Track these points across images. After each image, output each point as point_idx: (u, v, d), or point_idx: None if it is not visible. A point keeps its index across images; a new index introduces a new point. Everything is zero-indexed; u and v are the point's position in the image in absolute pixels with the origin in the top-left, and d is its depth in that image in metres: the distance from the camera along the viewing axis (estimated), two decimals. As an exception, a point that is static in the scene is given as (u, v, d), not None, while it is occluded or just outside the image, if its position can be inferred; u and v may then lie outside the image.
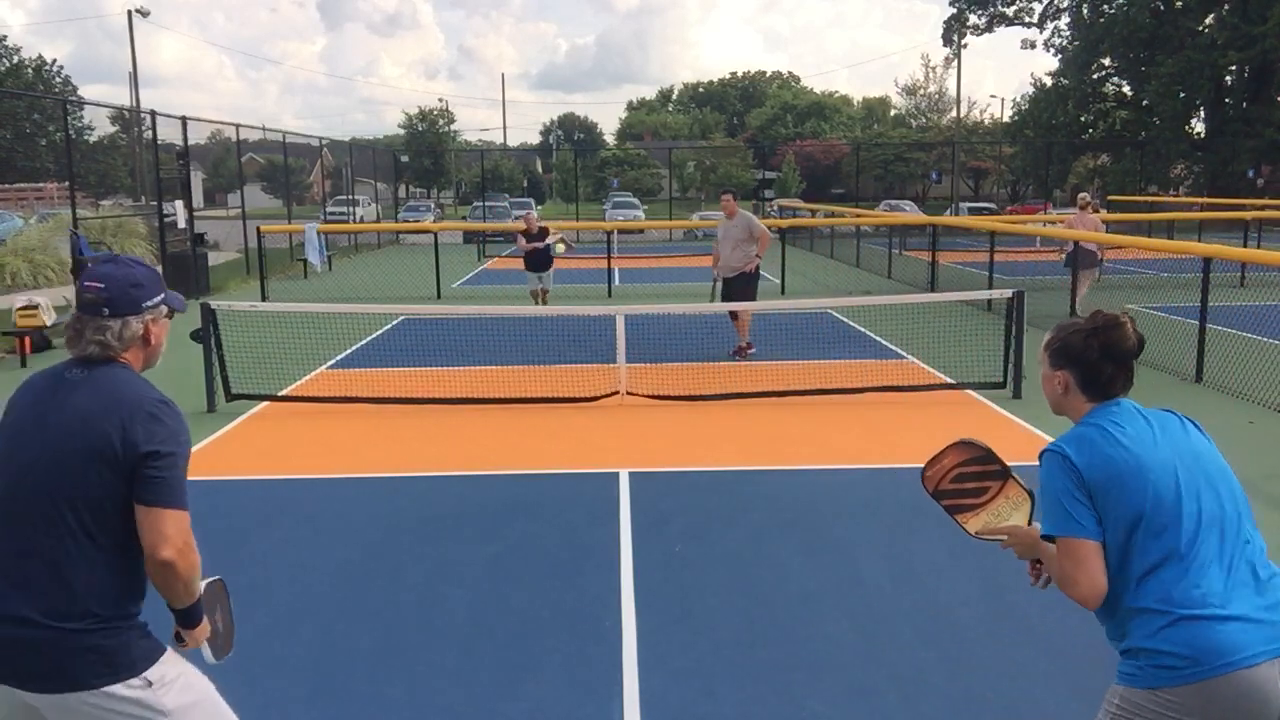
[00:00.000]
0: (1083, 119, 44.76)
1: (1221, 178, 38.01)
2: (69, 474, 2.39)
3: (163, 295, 2.68)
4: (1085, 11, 43.78)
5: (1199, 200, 33.80)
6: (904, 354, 11.57)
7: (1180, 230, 27.18)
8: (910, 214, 37.24)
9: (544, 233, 15.43)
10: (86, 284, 2.55)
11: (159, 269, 18.22)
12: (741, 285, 11.39)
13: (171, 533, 2.40)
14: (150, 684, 2.50)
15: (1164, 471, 2.39)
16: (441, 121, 64.61)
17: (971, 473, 2.69)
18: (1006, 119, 57.65)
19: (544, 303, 15.31)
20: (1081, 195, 17.51)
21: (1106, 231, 19.21)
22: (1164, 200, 34.20)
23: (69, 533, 2.39)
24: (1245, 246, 17.69)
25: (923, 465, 2.74)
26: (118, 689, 2.44)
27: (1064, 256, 14.84)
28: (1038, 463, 2.47)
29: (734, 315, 11.43)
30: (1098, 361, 2.50)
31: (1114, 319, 2.52)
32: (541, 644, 4.48)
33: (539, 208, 55.27)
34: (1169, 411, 2.56)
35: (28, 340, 11.71)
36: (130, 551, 2.45)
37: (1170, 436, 2.48)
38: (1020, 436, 8.01)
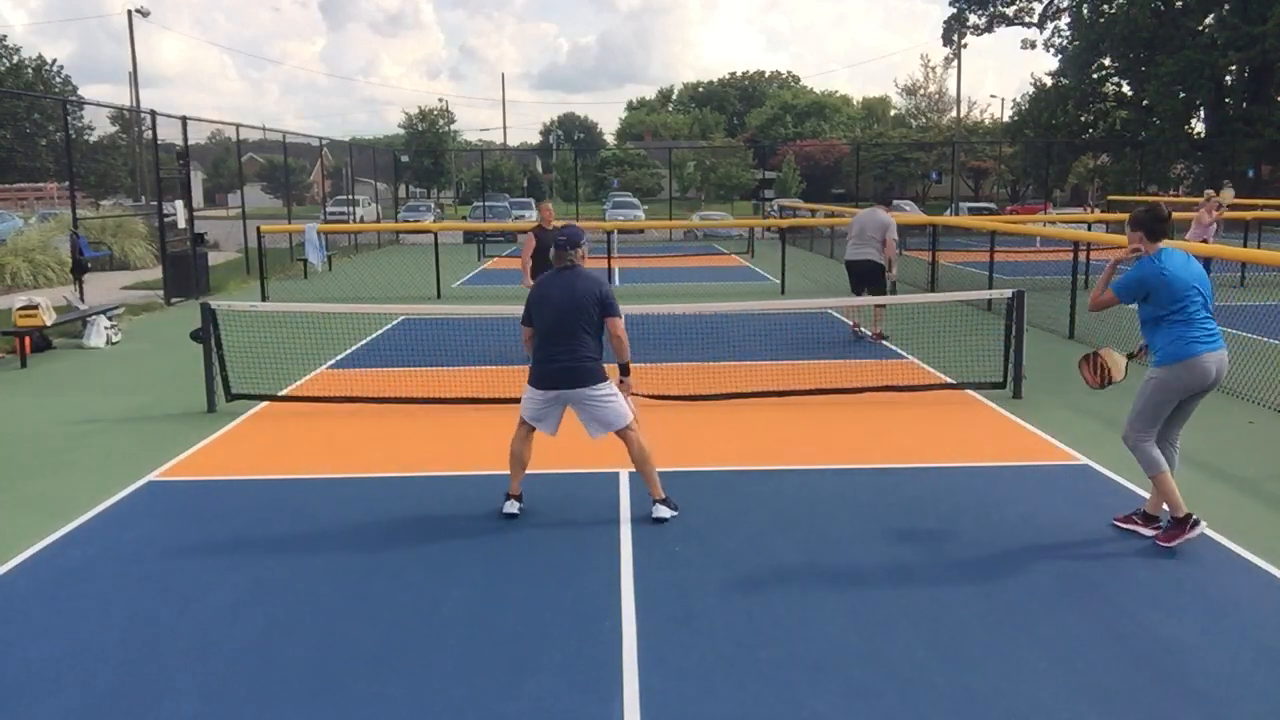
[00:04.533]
0: (1083, 119, 44.72)
1: (1221, 177, 37.96)
2: (583, 309, 5.85)
3: (585, 240, 6.08)
4: (1085, 11, 43.74)
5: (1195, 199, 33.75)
6: (904, 354, 11.57)
7: (1180, 230, 27.12)
8: (910, 214, 37.24)
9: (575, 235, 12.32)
10: (559, 237, 6.00)
11: (160, 270, 18.25)
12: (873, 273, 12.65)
13: (619, 325, 5.95)
14: (605, 383, 5.96)
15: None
16: (442, 121, 64.64)
17: (1097, 368, 5.98)
18: (1006, 119, 57.64)
19: None
20: (1208, 191, 17.93)
21: (1111, 231, 19.19)
22: (1164, 200, 34.13)
23: (582, 330, 5.87)
24: (1245, 246, 17.68)
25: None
26: (597, 387, 5.92)
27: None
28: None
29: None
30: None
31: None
32: (541, 644, 4.49)
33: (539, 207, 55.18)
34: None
35: (28, 340, 11.70)
36: (599, 336, 5.95)
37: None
38: (1020, 436, 8.01)
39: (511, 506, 6.09)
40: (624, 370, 6.08)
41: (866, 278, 12.61)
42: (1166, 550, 5.49)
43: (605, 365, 6.02)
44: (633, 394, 6.25)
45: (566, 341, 5.84)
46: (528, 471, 6.22)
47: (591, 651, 4.41)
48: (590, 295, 5.87)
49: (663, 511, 6.05)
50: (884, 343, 12.31)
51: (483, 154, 55.00)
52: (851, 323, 13.01)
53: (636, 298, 17.09)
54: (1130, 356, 5.96)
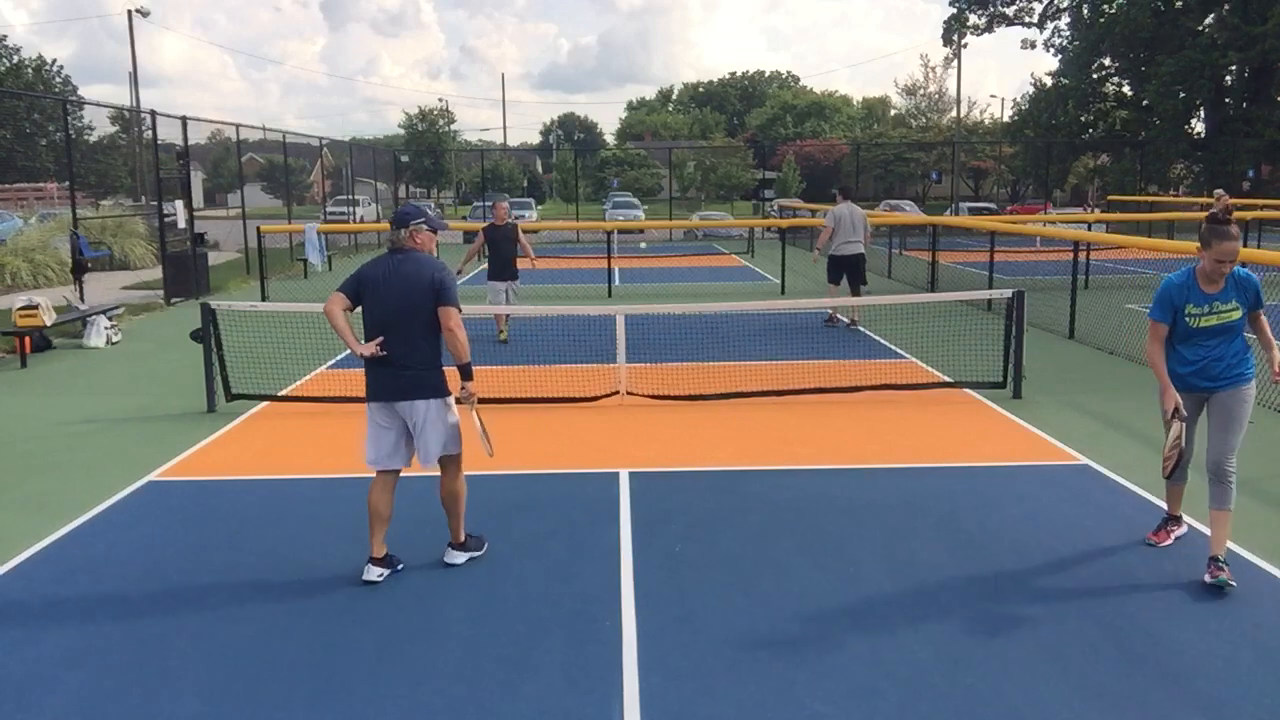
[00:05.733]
0: (1083, 119, 44.69)
1: (1221, 177, 37.98)
2: (415, 301, 5.04)
3: (423, 219, 5.21)
4: (1085, 11, 43.72)
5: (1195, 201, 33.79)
6: (904, 354, 11.57)
7: (1180, 230, 27.18)
8: (910, 214, 37.23)
9: (513, 232, 13.00)
10: (395, 215, 5.19)
11: (160, 270, 18.25)
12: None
13: (454, 317, 5.08)
14: (446, 400, 5.19)
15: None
16: (442, 121, 64.65)
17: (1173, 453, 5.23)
18: (1006, 119, 57.63)
19: (503, 331, 13.02)
20: (1218, 191, 18.11)
21: (1110, 230, 19.21)
22: (1164, 200, 34.18)
23: (414, 332, 5.07)
24: (1245, 246, 17.69)
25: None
26: (434, 401, 5.14)
27: None
28: None
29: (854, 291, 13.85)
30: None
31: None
32: (541, 644, 4.49)
33: (539, 207, 55.23)
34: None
35: (28, 340, 11.70)
36: (439, 335, 5.14)
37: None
38: (1019, 436, 8.01)
39: (372, 573, 5.15)
40: (465, 374, 5.19)
41: (857, 268, 13.94)
42: (1165, 550, 5.49)
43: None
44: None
45: (397, 346, 5.05)
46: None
47: (591, 651, 4.41)
48: (422, 283, 5.03)
49: (456, 557, 5.39)
50: (858, 329, 13.39)
51: (483, 154, 55.07)
52: (848, 320, 13.76)
53: (636, 298, 17.09)
54: (1175, 414, 5.26)
